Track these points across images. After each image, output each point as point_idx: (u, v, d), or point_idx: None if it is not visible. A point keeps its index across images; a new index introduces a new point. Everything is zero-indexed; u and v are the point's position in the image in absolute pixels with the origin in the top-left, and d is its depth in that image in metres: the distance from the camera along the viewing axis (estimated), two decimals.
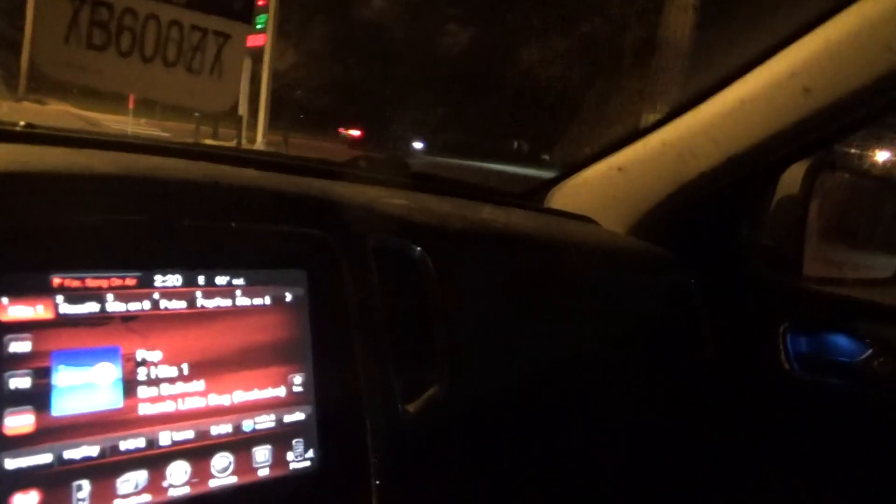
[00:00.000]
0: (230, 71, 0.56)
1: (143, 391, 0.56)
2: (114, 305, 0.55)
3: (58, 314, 0.53)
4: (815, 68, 1.00)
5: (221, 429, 0.59)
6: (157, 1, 0.52)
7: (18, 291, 0.51)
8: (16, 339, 0.51)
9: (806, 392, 1.06)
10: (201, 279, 0.60)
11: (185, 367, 0.58)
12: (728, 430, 1.10)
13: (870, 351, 1.05)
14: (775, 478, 1.07)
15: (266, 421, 0.62)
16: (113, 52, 0.54)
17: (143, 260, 0.58)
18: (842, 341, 1.08)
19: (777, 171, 1.18)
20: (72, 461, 0.52)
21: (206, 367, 0.59)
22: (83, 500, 0.52)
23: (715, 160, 1.14)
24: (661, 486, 1.07)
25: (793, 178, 1.19)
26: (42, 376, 0.52)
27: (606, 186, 1.23)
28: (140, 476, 0.55)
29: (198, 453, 0.58)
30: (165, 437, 0.57)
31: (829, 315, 1.11)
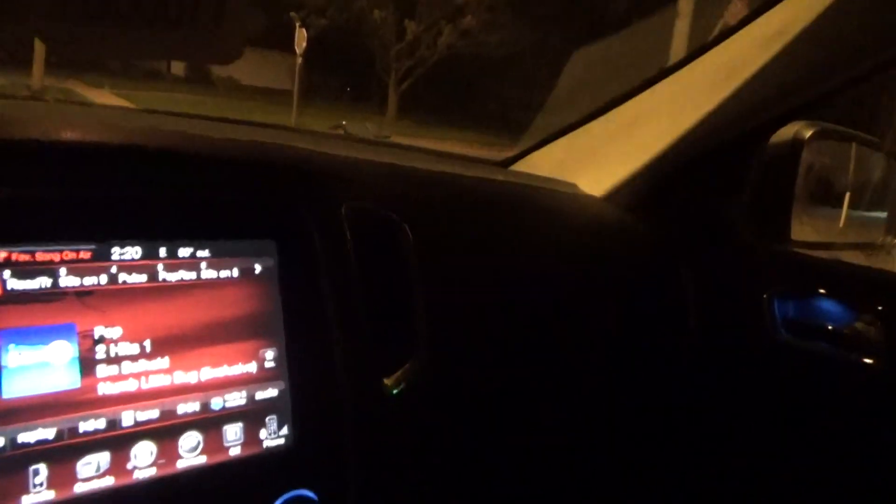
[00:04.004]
0: (232, 22, 0.52)
1: (102, 370, 0.53)
2: (67, 280, 0.52)
3: (5, 290, 0.50)
4: (797, 32, 0.98)
5: (189, 407, 0.57)
6: None
7: None
8: None
9: (793, 357, 1.05)
10: (163, 251, 0.57)
11: (147, 343, 0.55)
12: (715, 396, 1.08)
13: (857, 316, 1.04)
14: (763, 443, 1.07)
15: (237, 398, 0.59)
16: (112, 18, 0.50)
17: (98, 231, 0.54)
18: (829, 306, 1.07)
19: (763, 136, 1.16)
20: (26, 444, 0.49)
21: (170, 344, 0.56)
22: (40, 484, 0.49)
23: (699, 126, 1.11)
24: (647, 457, 1.06)
25: (780, 142, 1.17)
26: None
27: (588, 154, 1.21)
28: (102, 458, 0.52)
29: (164, 433, 0.55)
30: (128, 417, 0.54)
31: (817, 280, 1.09)
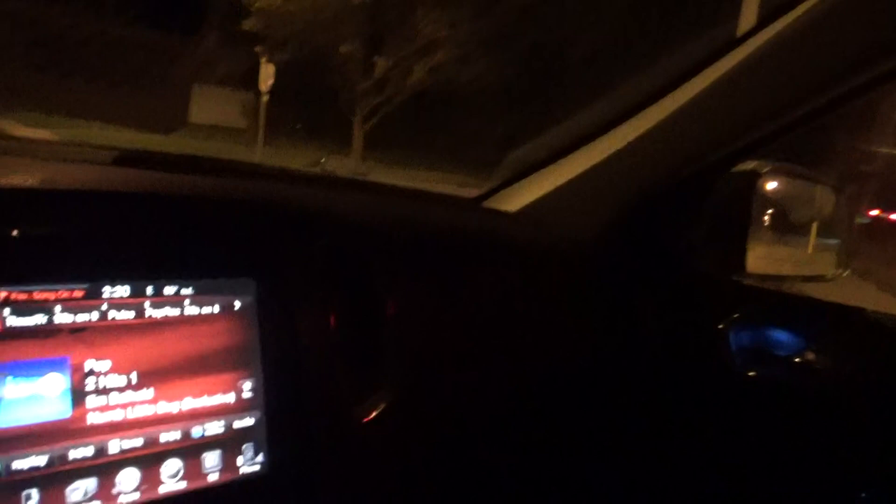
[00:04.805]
0: (179, 88, 0.55)
1: (91, 400, 0.57)
2: (62, 317, 0.57)
3: (5, 327, 0.54)
4: (752, 73, 1.05)
5: (171, 435, 0.61)
6: (99, 17, 0.50)
7: None
8: None
9: (747, 386, 1.11)
10: (150, 289, 0.62)
11: (134, 375, 0.59)
12: (672, 424, 1.14)
13: (807, 345, 1.10)
14: (716, 469, 1.12)
15: (215, 427, 0.63)
16: (54, 71, 0.51)
17: (91, 271, 0.59)
18: (782, 336, 1.13)
19: (720, 171, 1.22)
20: (20, 471, 0.53)
21: (155, 376, 0.61)
22: None
23: (658, 161, 1.18)
24: (613, 480, 1.11)
25: (737, 177, 1.24)
26: None
27: (555, 190, 1.27)
28: (90, 484, 0.56)
29: (147, 460, 0.59)
30: (115, 445, 0.58)
31: (769, 311, 1.16)
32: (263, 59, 13.98)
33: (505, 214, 1.26)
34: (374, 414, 0.73)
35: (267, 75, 13.42)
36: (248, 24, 15.34)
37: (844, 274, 1.30)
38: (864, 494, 1.02)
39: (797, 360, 1.10)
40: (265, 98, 13.49)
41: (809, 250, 1.50)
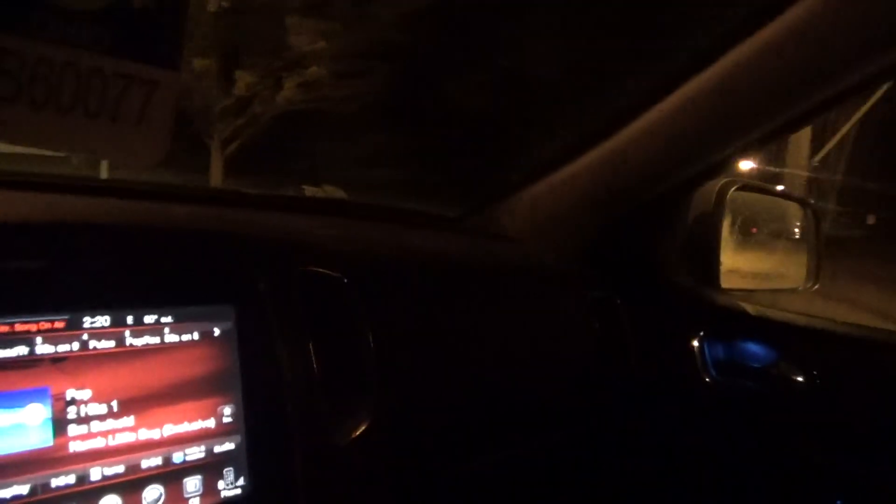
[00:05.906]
0: (159, 121, 0.56)
1: (73, 429, 0.58)
2: (43, 348, 0.58)
3: None
4: (718, 95, 1.08)
5: (152, 462, 0.62)
6: (73, 47, 0.51)
7: None
8: None
9: (722, 396, 1.13)
10: (130, 318, 0.63)
11: (114, 403, 0.61)
12: (651, 434, 1.16)
13: (778, 356, 1.13)
14: (695, 478, 1.14)
15: (196, 452, 0.65)
16: (24, 102, 0.52)
17: (71, 302, 0.60)
18: (754, 348, 1.16)
19: (691, 189, 1.26)
20: (3, 500, 0.54)
21: (135, 403, 0.62)
22: None
23: (634, 181, 1.21)
24: (591, 495, 1.12)
25: (707, 195, 1.27)
26: None
27: (535, 208, 1.29)
28: None
29: (129, 486, 0.60)
30: (96, 473, 0.59)
31: (743, 324, 1.18)
32: None
33: (486, 232, 1.28)
34: (355, 435, 0.75)
35: None
36: None
37: (815, 287, 1.34)
38: (839, 502, 1.04)
39: (771, 371, 1.13)
40: None
41: (780, 264, 1.54)
